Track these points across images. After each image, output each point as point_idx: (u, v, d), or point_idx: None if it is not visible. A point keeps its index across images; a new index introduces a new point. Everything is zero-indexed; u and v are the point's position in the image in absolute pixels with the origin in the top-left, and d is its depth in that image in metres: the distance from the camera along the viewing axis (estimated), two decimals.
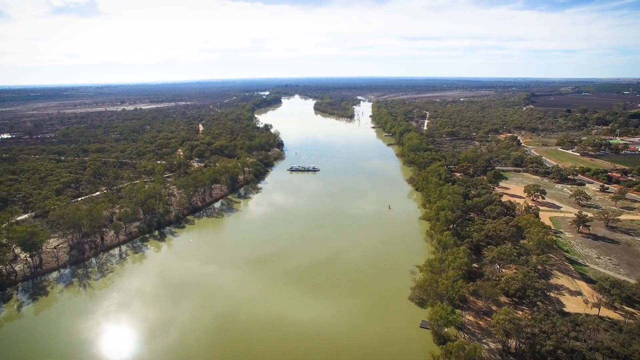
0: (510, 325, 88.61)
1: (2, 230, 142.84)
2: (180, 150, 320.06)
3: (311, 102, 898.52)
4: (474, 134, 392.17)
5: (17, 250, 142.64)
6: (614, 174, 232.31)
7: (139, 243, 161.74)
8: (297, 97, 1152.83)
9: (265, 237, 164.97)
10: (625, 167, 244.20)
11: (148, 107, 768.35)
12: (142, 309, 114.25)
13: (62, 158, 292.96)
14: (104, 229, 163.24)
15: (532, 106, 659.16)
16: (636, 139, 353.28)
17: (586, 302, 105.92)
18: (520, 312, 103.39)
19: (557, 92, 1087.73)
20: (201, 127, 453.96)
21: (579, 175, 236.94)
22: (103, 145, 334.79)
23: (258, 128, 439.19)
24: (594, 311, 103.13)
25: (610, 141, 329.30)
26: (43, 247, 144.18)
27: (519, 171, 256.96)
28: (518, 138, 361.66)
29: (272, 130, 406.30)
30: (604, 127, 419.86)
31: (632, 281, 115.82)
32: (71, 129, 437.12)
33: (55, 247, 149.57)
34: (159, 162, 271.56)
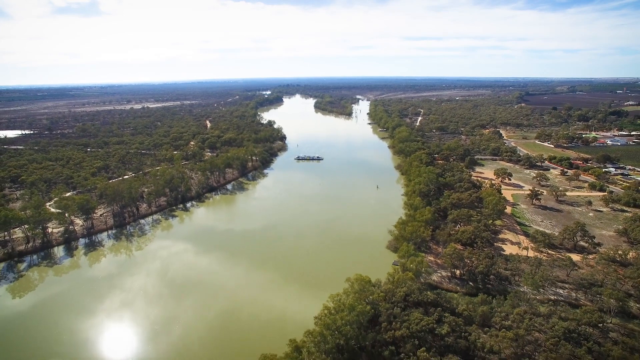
0: (455, 256, 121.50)
1: (59, 201, 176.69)
2: (192, 142, 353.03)
3: (312, 101, 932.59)
4: (461, 128, 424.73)
5: (72, 218, 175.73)
6: (576, 161, 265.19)
7: (167, 214, 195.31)
8: (298, 96, 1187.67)
9: (272, 210, 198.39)
10: (588, 156, 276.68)
11: (155, 105, 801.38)
12: (170, 259, 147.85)
13: (88, 149, 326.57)
14: (137, 203, 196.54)
15: (523, 104, 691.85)
16: (608, 133, 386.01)
17: (519, 246, 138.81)
18: None
19: (552, 92, 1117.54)
20: (209, 124, 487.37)
21: (546, 162, 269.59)
22: (121, 139, 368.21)
23: (262, 123, 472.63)
24: (524, 253, 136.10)
25: (583, 135, 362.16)
26: (93, 214, 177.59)
27: (495, 159, 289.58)
28: (501, 132, 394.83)
29: (275, 126, 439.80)
30: (584, 123, 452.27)
31: (557, 234, 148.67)
32: (87, 125, 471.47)
33: (101, 215, 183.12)
34: (175, 152, 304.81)
